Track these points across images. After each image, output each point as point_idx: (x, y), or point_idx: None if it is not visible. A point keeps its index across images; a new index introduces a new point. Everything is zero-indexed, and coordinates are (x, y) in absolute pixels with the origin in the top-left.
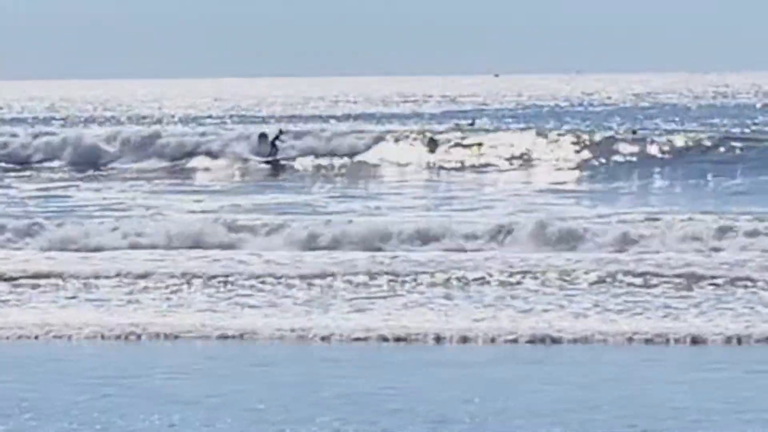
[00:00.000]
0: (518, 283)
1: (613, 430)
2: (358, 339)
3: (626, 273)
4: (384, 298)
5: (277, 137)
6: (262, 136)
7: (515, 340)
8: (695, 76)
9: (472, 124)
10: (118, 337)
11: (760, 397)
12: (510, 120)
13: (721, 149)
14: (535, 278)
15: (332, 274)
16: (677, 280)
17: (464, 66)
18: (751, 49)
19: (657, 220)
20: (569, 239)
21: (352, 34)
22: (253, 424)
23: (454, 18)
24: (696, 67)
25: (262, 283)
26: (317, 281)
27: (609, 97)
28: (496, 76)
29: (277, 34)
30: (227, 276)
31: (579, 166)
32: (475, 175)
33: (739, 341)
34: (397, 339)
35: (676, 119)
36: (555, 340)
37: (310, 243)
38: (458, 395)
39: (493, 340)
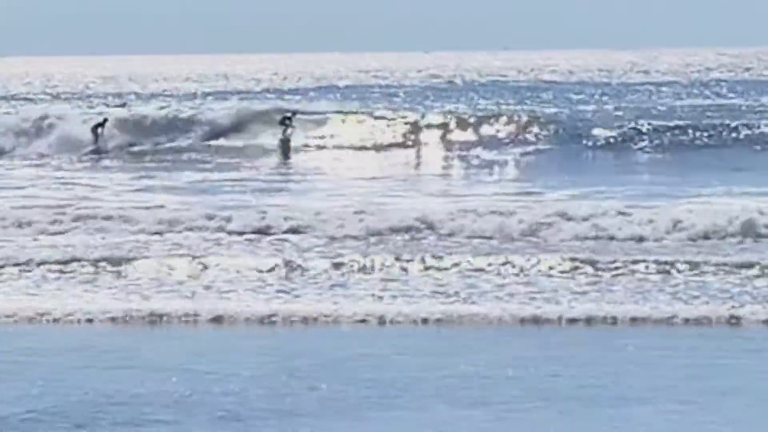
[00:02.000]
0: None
1: None
2: None
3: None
4: None
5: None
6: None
7: None
8: (621, 53)
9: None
10: None
11: None
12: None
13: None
14: None
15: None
16: None
17: (396, 43)
18: (683, 25)
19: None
20: None
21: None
22: None
23: None
24: (624, 44)
25: None
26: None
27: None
28: (426, 53)
29: None
30: None
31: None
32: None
33: None
34: None
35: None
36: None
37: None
38: None
39: None
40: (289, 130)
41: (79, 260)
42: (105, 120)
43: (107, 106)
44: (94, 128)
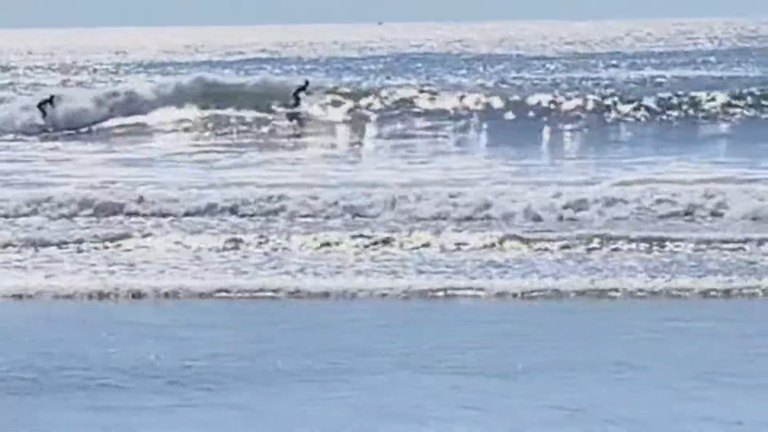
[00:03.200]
0: None
1: None
2: None
3: None
4: None
5: None
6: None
7: None
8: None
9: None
10: None
11: None
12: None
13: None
14: None
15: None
16: None
17: (349, 14)
18: None
19: None
20: None
21: None
22: None
23: None
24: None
25: None
26: None
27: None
28: (380, 24)
29: None
30: None
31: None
32: None
33: None
34: None
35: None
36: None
37: None
38: None
39: None
40: (299, 102)
41: (80, 241)
42: (52, 97)
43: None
44: (40, 105)
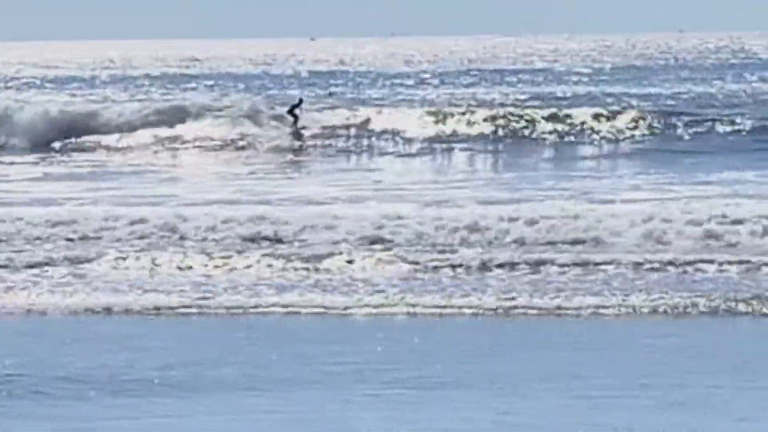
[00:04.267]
0: None
1: None
2: None
3: None
4: None
5: None
6: None
7: None
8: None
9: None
10: None
11: None
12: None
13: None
14: None
15: None
16: None
17: (280, 28)
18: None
19: None
20: None
21: None
22: None
23: None
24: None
25: None
26: None
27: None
28: (313, 39)
29: None
30: None
31: None
32: None
33: None
34: None
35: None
36: None
37: None
38: None
39: None
40: (297, 120)
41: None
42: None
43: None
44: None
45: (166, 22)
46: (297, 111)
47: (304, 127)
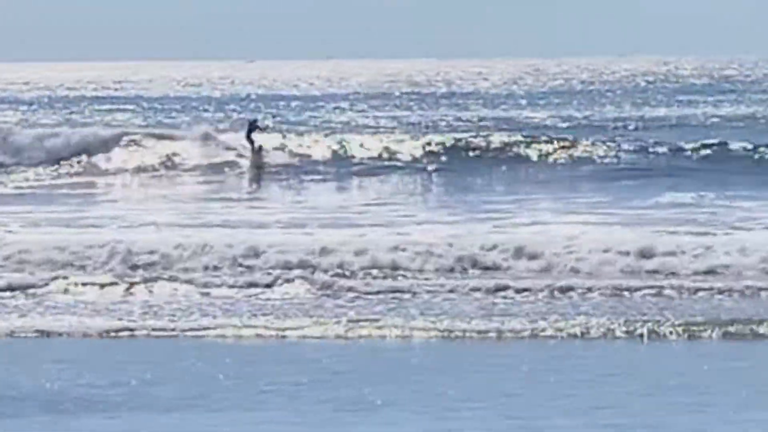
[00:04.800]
0: None
1: None
2: None
3: None
4: None
5: None
6: None
7: None
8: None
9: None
10: None
11: None
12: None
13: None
14: None
15: None
16: None
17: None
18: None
19: None
20: None
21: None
22: None
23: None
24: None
25: None
26: None
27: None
28: (251, 62)
29: None
30: None
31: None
32: None
33: None
34: None
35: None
36: None
37: None
38: None
39: None
40: (258, 140)
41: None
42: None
43: None
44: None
45: (95, 45)
46: (253, 135)
47: (261, 148)
